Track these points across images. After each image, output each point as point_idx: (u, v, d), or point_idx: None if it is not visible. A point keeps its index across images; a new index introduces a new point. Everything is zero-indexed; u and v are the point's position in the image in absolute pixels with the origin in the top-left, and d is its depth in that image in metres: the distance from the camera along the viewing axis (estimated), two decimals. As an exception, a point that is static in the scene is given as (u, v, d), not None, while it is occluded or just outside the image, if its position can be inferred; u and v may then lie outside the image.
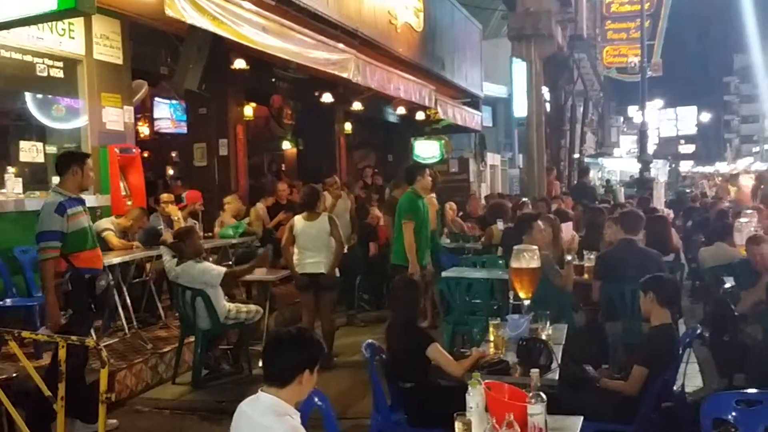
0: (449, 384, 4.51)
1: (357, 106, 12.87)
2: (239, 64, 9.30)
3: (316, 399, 3.46)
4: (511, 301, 5.08)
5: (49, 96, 7.21)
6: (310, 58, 7.94)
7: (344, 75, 8.59)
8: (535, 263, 4.89)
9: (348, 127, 14.26)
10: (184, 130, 11.87)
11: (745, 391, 4.35)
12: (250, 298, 8.30)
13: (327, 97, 11.91)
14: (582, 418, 3.39)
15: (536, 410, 3.04)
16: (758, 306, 5.89)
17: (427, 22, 12.98)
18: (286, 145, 15.59)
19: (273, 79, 11.27)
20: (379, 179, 14.27)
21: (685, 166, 64.54)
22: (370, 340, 4.53)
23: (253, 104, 12.67)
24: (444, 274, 7.23)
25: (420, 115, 14.31)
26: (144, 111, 12.63)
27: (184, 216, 8.76)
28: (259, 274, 7.46)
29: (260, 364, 6.15)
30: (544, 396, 3.08)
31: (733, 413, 3.59)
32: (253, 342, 6.86)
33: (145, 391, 6.39)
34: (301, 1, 8.24)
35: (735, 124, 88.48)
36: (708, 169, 54.10)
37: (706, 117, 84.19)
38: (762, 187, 15.84)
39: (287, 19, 7.58)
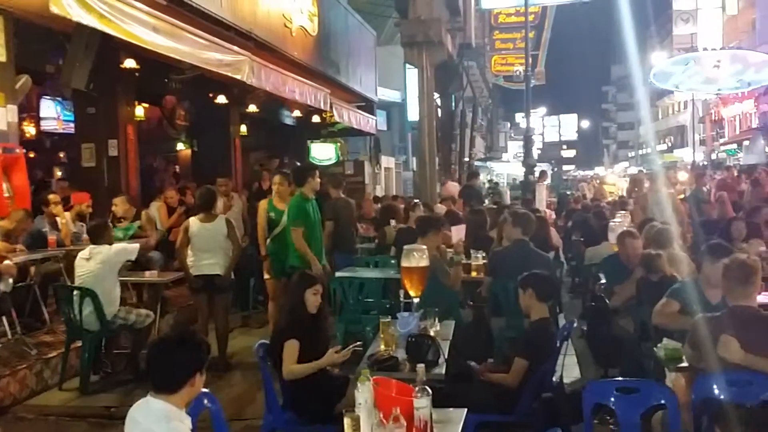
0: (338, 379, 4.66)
1: (252, 108, 12.82)
2: (129, 63, 9.09)
3: (206, 401, 3.48)
4: (401, 299, 5.26)
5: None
6: (202, 59, 7.87)
7: (238, 77, 8.56)
8: (424, 262, 5.08)
9: (243, 128, 14.16)
10: (72, 130, 11.48)
11: (624, 379, 4.71)
12: (141, 302, 8.16)
13: (221, 99, 11.81)
14: (466, 410, 3.56)
15: (422, 404, 3.17)
16: (630, 301, 6.31)
17: (321, 27, 13.09)
18: (180, 147, 15.33)
19: (166, 80, 11.07)
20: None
21: (568, 170, 67.47)
22: (262, 341, 4.61)
23: (145, 104, 12.40)
24: (337, 274, 7.37)
25: (316, 118, 14.39)
26: (30, 110, 12.14)
27: (72, 218, 8.52)
28: (149, 276, 7.38)
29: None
30: (429, 390, 3.22)
31: (613, 400, 3.90)
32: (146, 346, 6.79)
33: (29, 398, 6.19)
34: (193, 1, 8.16)
35: (612, 131, 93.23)
36: (588, 172, 56.70)
37: (586, 124, 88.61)
38: (636, 189, 16.84)
39: (179, 20, 7.50)
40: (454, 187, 15.56)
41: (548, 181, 31.53)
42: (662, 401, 3.80)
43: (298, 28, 11.93)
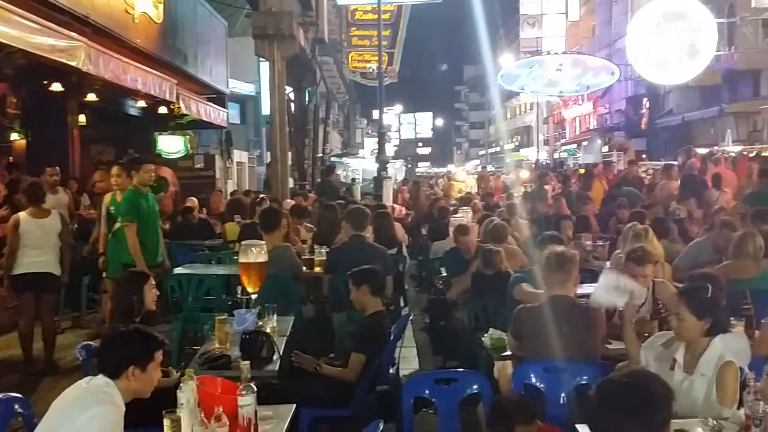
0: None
1: (92, 96, 12.17)
2: (-49, 47, 8.39)
3: (17, 406, 3.31)
4: (239, 295, 5.17)
5: None
6: (32, 44, 7.36)
7: (72, 63, 8.08)
8: (262, 258, 5.02)
9: (82, 118, 13.42)
10: None
11: (441, 370, 4.87)
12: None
13: (57, 86, 11.13)
14: (294, 405, 3.55)
15: (246, 401, 3.13)
16: (465, 293, 6.55)
17: (167, 14, 12.62)
18: (15, 137, 14.32)
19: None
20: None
21: (423, 167, 69.27)
22: (85, 342, 4.40)
23: (-26, 92, 11.49)
24: (176, 270, 7.15)
25: (163, 109, 13.86)
26: None
27: None
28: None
29: None
30: (254, 387, 3.19)
31: (432, 391, 4.01)
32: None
33: None
34: (23, -18, 7.64)
35: (465, 130, 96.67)
36: (442, 169, 58.39)
37: (440, 122, 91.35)
38: (482, 185, 17.62)
39: (7, 2, 6.99)
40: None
41: (402, 177, 32.20)
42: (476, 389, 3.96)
43: (141, 15, 11.45)
